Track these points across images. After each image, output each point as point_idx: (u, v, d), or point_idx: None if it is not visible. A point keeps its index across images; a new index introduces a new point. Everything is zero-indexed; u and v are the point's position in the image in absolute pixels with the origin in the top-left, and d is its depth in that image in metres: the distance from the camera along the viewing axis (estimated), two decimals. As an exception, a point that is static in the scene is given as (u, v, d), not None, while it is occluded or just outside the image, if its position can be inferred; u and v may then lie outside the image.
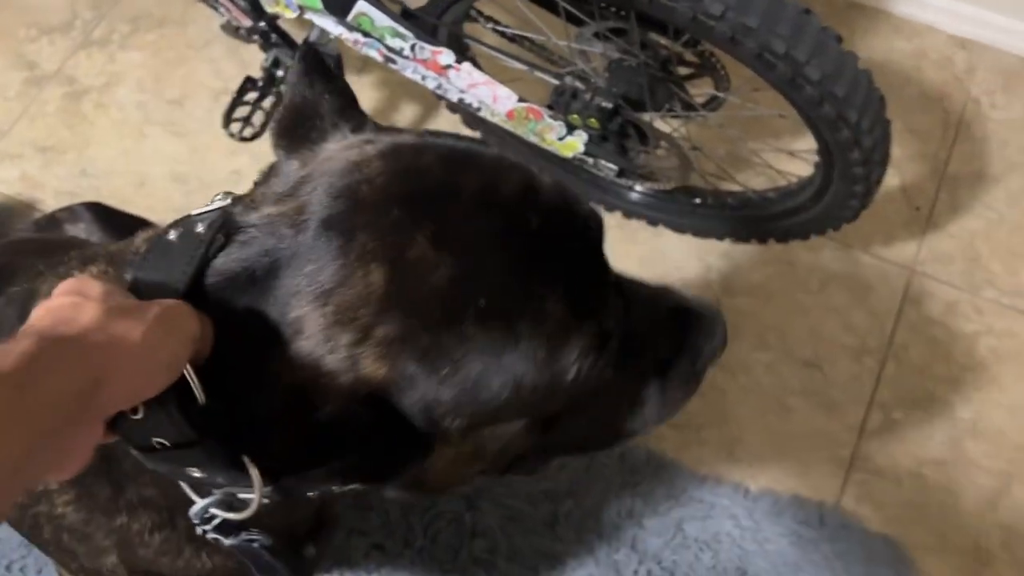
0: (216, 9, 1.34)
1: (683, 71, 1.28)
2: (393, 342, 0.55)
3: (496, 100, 1.20)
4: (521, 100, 1.21)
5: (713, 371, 0.80)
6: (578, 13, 1.19)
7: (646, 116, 1.22)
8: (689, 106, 1.30)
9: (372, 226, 0.56)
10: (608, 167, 1.27)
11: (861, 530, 1.37)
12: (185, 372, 0.52)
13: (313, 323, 0.55)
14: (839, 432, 1.45)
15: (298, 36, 1.45)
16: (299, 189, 0.60)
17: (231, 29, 1.39)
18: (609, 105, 1.17)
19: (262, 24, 1.28)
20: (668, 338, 0.75)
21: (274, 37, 1.32)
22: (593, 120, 1.19)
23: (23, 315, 0.55)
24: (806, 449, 1.44)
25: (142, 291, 0.55)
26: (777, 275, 1.57)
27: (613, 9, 1.15)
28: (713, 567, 1.34)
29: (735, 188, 1.48)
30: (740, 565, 1.34)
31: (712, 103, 1.32)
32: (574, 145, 1.25)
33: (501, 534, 1.35)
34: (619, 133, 1.23)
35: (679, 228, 1.55)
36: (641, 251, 1.59)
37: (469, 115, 1.42)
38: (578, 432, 0.73)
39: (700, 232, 1.54)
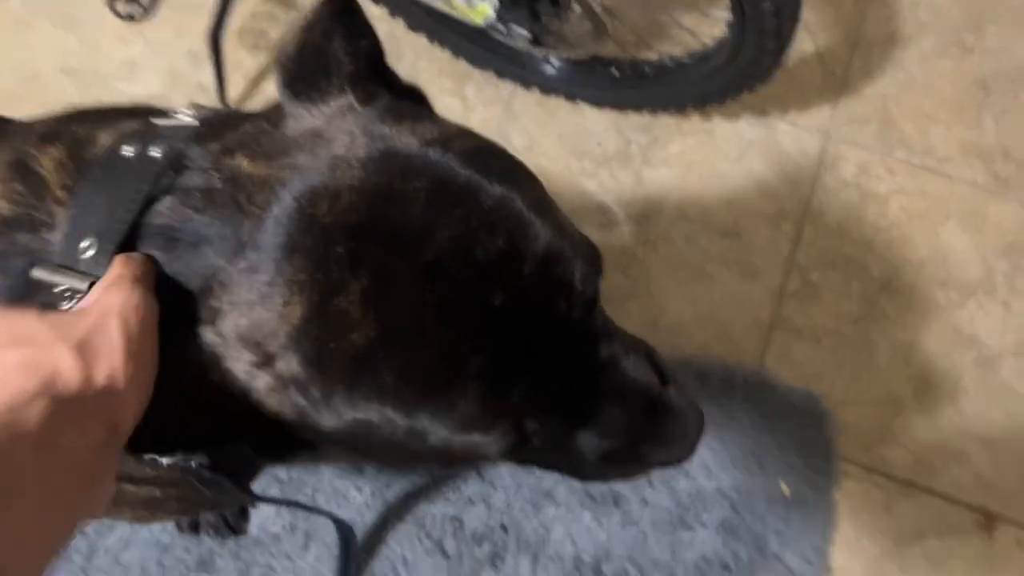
0: None
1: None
2: (289, 381, 0.53)
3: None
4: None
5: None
6: None
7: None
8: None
9: (312, 255, 0.51)
10: (521, 33, 1.23)
11: (783, 387, 1.41)
12: None
13: (227, 325, 0.52)
14: (759, 296, 1.47)
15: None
16: (278, 160, 0.54)
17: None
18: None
19: None
20: (630, 430, 0.65)
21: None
22: (499, -22, 1.14)
23: None
24: (728, 315, 1.46)
25: (80, 233, 0.53)
26: (696, 145, 1.56)
27: None
28: (641, 432, 1.37)
29: (651, 57, 1.45)
30: (667, 428, 1.37)
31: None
32: (484, 11, 1.20)
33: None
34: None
35: (598, 102, 1.53)
36: (561, 128, 1.56)
37: (372, -11, 1.35)
38: (543, 464, 0.71)
39: (619, 105, 1.52)
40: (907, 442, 1.39)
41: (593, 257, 0.60)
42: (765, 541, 1.32)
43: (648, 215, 1.51)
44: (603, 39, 1.28)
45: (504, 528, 1.30)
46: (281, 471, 1.31)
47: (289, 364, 0.52)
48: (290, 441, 0.58)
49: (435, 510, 1.31)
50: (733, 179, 1.54)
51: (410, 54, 1.59)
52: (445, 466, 0.73)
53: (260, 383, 0.53)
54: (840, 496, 1.36)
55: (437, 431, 0.54)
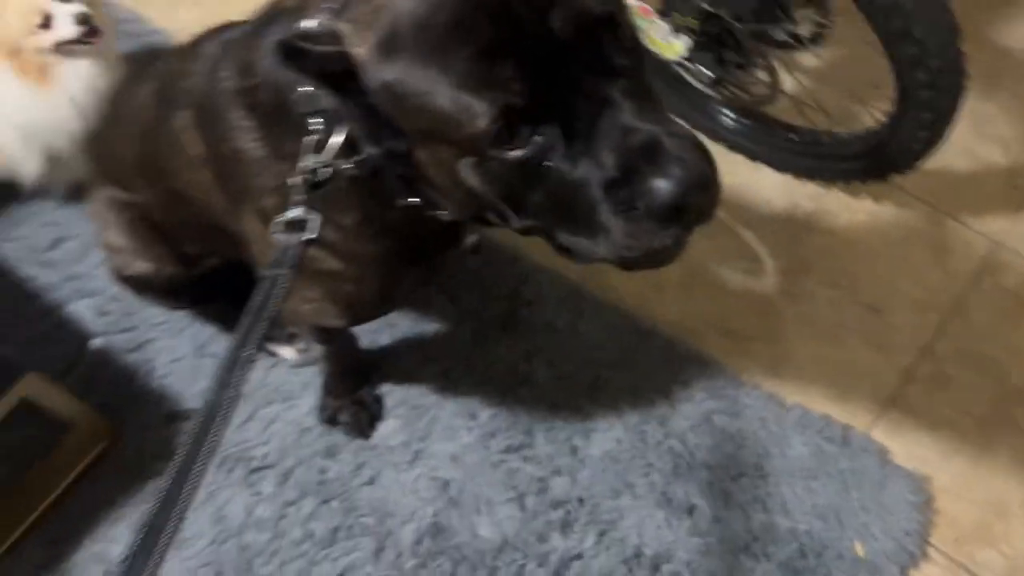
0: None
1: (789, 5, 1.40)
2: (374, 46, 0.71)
3: (612, -5, 1.37)
4: (635, -2, 1.37)
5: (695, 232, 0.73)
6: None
7: (744, 28, 1.35)
8: (794, 36, 1.42)
9: None
10: (705, 73, 1.41)
11: (884, 458, 1.43)
12: None
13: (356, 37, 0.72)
14: (885, 372, 1.51)
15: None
16: None
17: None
18: (709, 7, 1.31)
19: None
20: (624, 167, 0.69)
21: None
22: (692, 19, 1.33)
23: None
24: (848, 380, 1.51)
25: None
26: (861, 224, 1.64)
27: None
28: (732, 457, 1.44)
29: (824, 127, 1.57)
30: (758, 462, 1.44)
31: (816, 37, 1.42)
32: (677, 48, 1.39)
33: (546, 387, 1.51)
34: (718, 41, 1.36)
35: (775, 164, 1.66)
36: (736, 182, 1.70)
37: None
38: (547, 217, 0.77)
39: (793, 169, 1.63)
40: (1005, 548, 1.36)
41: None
42: (826, 592, 1.34)
43: (796, 272, 1.60)
44: (775, 96, 1.42)
45: (581, 501, 1.42)
46: (409, 395, 1.51)
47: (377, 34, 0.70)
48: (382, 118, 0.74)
49: (527, 469, 1.45)
50: (889, 259, 1.60)
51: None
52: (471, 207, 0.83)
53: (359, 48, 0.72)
54: (915, 577, 1.35)
55: (441, 88, 0.67)
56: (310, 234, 0.77)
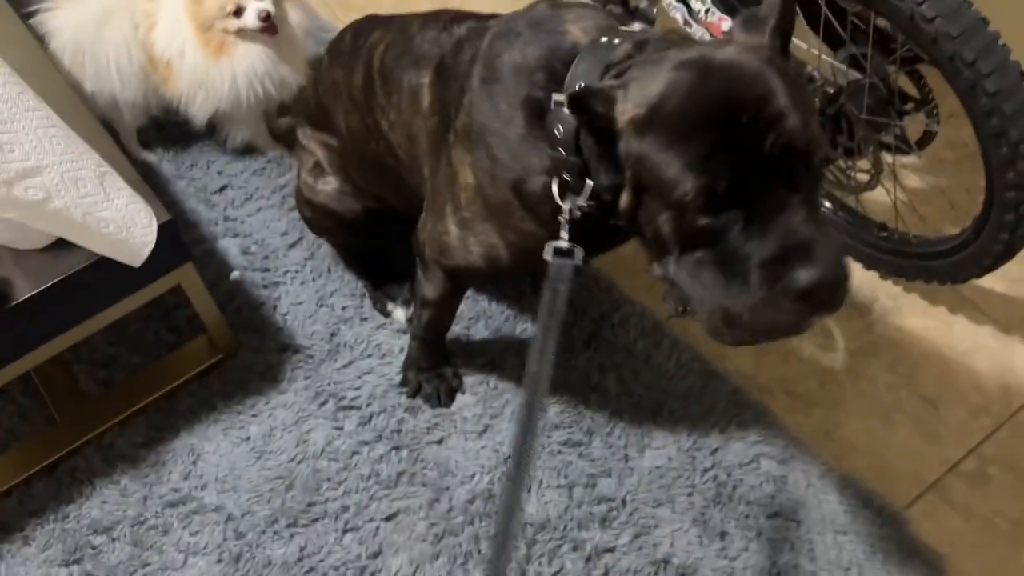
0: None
1: (905, 107, 1.58)
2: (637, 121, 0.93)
3: (748, 70, 1.58)
4: (767, 75, 1.57)
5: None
6: (839, 29, 1.53)
7: (861, 118, 1.53)
8: (902, 139, 1.59)
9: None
10: (814, 151, 1.59)
11: (914, 533, 1.51)
12: None
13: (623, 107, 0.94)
14: (931, 460, 1.60)
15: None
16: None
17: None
18: (831, 90, 1.50)
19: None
20: (782, 254, 0.87)
21: (612, -6, 1.80)
22: (815, 101, 1.52)
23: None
24: (894, 458, 1.60)
25: None
26: (933, 328, 1.76)
27: (861, 28, 1.49)
28: (771, 498, 1.55)
29: (916, 227, 1.72)
30: (794, 507, 1.54)
31: (921, 141, 1.59)
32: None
33: (613, 400, 1.65)
34: (835, 124, 1.55)
35: (861, 258, 1.80)
36: (823, 268, 1.85)
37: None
38: (693, 272, 0.96)
39: (878, 265, 1.78)
40: (1016, 643, 1.41)
41: (817, 142, 0.90)
42: (835, 638, 1.41)
43: (863, 355, 1.72)
44: (872, 188, 1.59)
45: (624, 503, 1.54)
46: (489, 378, 1.68)
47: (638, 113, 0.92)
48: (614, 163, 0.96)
49: (580, 464, 1.58)
50: (953, 364, 1.71)
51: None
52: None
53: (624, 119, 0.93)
54: (926, 649, 1.40)
55: (673, 165, 0.89)
56: (577, 261, 1.04)
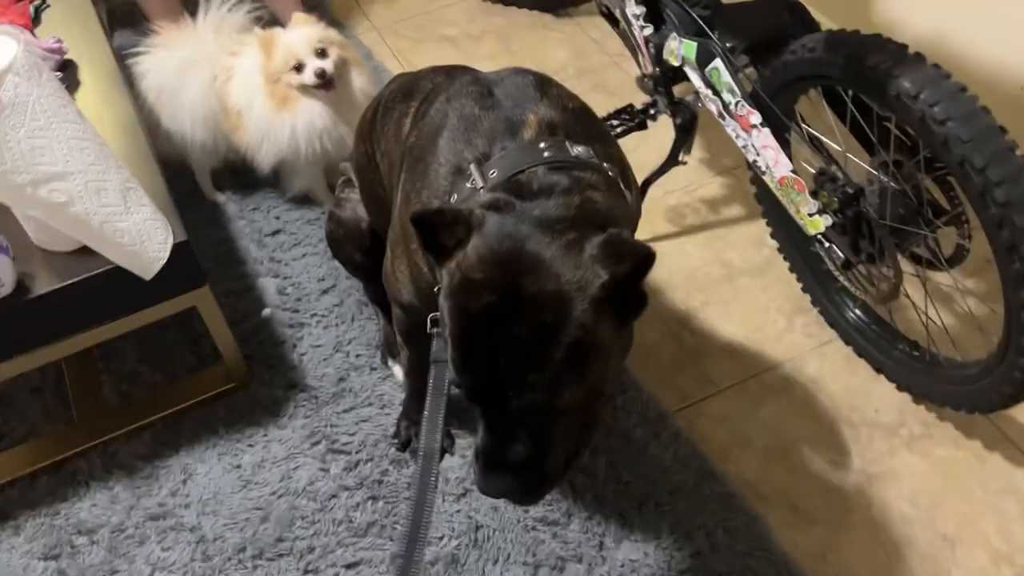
0: (636, 59, 1.89)
1: (937, 219, 1.50)
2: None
3: (776, 165, 1.55)
4: (793, 171, 1.54)
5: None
6: (873, 137, 1.49)
7: (882, 223, 1.46)
8: (934, 253, 1.51)
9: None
10: (837, 254, 1.53)
11: None
12: None
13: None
14: (937, 603, 1.45)
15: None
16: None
17: (640, 80, 1.93)
18: (850, 190, 1.45)
19: (657, 70, 1.79)
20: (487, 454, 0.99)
21: (660, 86, 1.83)
22: (835, 202, 1.47)
23: None
24: (895, 595, 1.46)
25: None
26: (962, 461, 1.61)
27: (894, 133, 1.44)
28: (748, 613, 1.43)
29: (947, 348, 1.60)
30: (771, 627, 1.42)
31: (953, 258, 1.51)
32: (818, 224, 1.53)
33: (600, 484, 1.60)
34: (856, 228, 1.49)
35: (891, 375, 1.69)
36: (853, 382, 1.75)
37: (757, 176, 1.74)
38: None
39: (910, 384, 1.66)
40: None
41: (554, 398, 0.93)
42: None
43: (881, 479, 1.59)
44: (895, 297, 1.50)
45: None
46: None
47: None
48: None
49: (552, 544, 1.52)
50: (979, 502, 1.55)
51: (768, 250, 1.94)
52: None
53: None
54: None
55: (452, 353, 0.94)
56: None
